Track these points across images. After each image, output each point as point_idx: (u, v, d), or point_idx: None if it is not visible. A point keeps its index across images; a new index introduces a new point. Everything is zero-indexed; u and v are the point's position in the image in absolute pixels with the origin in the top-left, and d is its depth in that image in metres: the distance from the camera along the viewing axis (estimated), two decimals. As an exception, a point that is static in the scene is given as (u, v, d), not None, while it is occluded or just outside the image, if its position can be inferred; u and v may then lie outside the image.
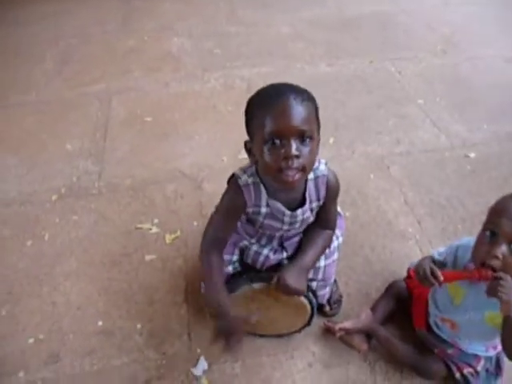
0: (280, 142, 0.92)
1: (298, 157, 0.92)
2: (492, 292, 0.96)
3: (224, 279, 1.17)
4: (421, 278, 1.07)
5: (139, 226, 1.73)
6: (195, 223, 1.74)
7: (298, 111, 0.92)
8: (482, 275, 0.97)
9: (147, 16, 3.18)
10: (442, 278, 1.02)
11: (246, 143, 1.05)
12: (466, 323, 1.13)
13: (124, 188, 1.90)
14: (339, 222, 1.30)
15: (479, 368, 1.16)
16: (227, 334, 1.09)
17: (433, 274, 1.03)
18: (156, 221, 1.75)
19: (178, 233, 1.70)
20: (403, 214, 1.75)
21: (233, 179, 1.12)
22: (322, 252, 1.21)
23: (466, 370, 1.16)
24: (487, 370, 1.17)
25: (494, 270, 0.96)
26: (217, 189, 1.84)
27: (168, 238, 1.68)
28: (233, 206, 1.12)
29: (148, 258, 1.62)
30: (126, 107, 2.34)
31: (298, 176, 0.95)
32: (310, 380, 1.29)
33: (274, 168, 0.94)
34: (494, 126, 2.16)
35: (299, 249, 1.21)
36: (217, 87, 2.48)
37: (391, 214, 1.75)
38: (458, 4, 3.25)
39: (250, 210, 1.12)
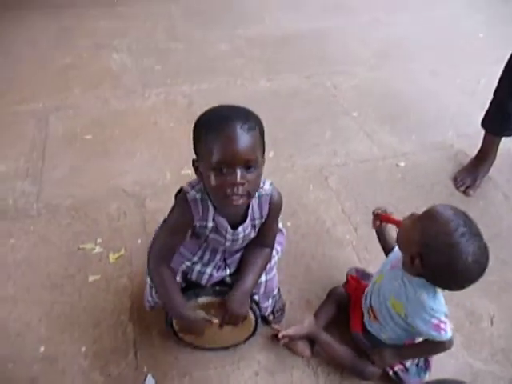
0: (226, 170, 0.97)
1: (242, 184, 0.97)
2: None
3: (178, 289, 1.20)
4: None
5: (82, 246, 1.70)
6: (139, 241, 1.73)
7: (245, 141, 0.96)
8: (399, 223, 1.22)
9: (82, 34, 3.11)
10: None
11: (193, 161, 1.07)
12: (381, 309, 1.26)
13: (64, 208, 1.86)
14: (280, 238, 1.36)
15: (408, 364, 1.27)
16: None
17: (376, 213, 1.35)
18: (99, 240, 1.73)
19: (122, 251, 1.69)
20: (341, 222, 1.85)
21: (181, 194, 1.14)
22: (262, 272, 1.27)
23: (397, 367, 1.26)
24: (417, 365, 1.28)
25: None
26: (160, 206, 1.86)
27: (112, 257, 1.67)
28: (181, 220, 1.14)
29: (92, 278, 1.60)
30: (64, 125, 2.30)
31: (242, 200, 1.00)
32: (256, 388, 1.33)
33: (220, 193, 0.99)
34: (421, 136, 2.32)
35: (240, 271, 1.25)
36: (158, 104, 2.49)
37: (329, 222, 1.84)
38: (387, 21, 3.46)
39: (197, 223, 1.14)
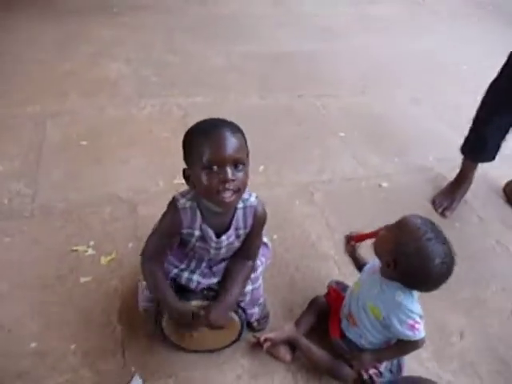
0: (217, 169, 1.06)
1: (233, 180, 1.07)
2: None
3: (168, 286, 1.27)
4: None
5: (74, 248, 1.75)
6: (130, 245, 1.79)
7: (232, 142, 1.07)
8: (375, 234, 1.33)
9: (84, 40, 3.20)
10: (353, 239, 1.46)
11: (184, 170, 1.16)
12: (359, 314, 1.35)
13: (58, 211, 1.91)
14: (265, 251, 1.45)
15: (382, 369, 1.36)
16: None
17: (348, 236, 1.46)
18: (91, 243, 1.78)
19: (114, 255, 1.75)
20: (325, 237, 1.93)
21: (172, 201, 1.22)
22: (245, 284, 1.34)
23: (372, 371, 1.35)
24: (390, 371, 1.37)
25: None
26: (152, 212, 1.89)
27: (103, 259, 1.72)
28: (170, 225, 1.23)
29: (83, 279, 1.65)
30: (61, 130, 2.36)
31: (234, 197, 1.10)
32: (238, 390, 1.40)
33: (213, 191, 1.08)
34: (403, 158, 2.44)
35: (224, 283, 1.32)
36: (153, 114, 2.57)
37: (314, 236, 1.93)
38: (377, 47, 3.62)
39: (185, 231, 1.23)
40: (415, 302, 1.26)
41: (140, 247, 1.73)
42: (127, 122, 2.49)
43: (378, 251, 1.29)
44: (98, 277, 1.66)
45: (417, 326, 1.24)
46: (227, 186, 1.06)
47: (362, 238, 1.43)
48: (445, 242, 1.19)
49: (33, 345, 1.44)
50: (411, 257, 1.17)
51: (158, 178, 2.12)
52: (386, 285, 1.28)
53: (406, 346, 1.30)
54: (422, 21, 4.27)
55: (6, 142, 2.23)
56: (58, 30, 3.31)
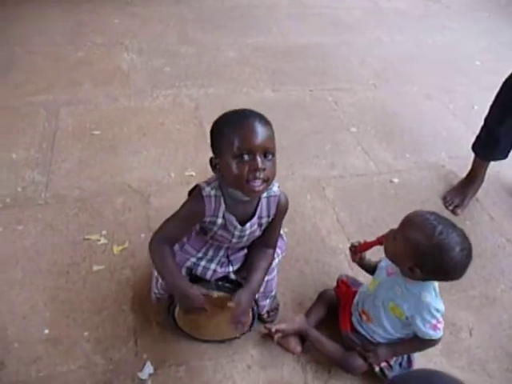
0: (248, 157, 1.07)
1: (264, 169, 1.07)
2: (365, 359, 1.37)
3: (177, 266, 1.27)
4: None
5: (87, 236, 1.77)
6: (142, 235, 1.81)
7: (263, 131, 1.08)
8: (379, 240, 1.31)
9: (96, 30, 3.20)
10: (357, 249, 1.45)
11: (211, 159, 1.17)
12: (377, 312, 1.35)
13: (72, 199, 1.93)
14: (281, 243, 1.45)
15: (392, 362, 1.37)
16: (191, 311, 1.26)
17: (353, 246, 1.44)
18: (104, 232, 1.80)
19: (126, 244, 1.76)
20: (335, 231, 1.94)
21: (197, 189, 1.22)
22: (267, 272, 1.35)
23: (383, 364, 1.36)
24: (400, 365, 1.38)
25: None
26: (164, 203, 1.94)
27: (116, 249, 1.74)
28: (193, 212, 1.22)
29: (96, 268, 1.67)
30: (74, 119, 2.37)
31: (262, 186, 1.10)
32: (248, 381, 1.41)
33: (242, 179, 1.08)
34: (415, 155, 2.44)
35: (247, 271, 1.33)
36: (165, 105, 2.57)
37: (324, 231, 1.93)
38: (389, 42, 3.60)
39: (207, 219, 1.23)
40: (439, 300, 1.26)
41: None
42: (140, 112, 2.49)
43: (393, 259, 1.27)
44: (110, 265, 1.68)
45: (439, 325, 1.25)
46: (257, 174, 1.07)
47: (366, 246, 1.41)
48: (454, 227, 1.18)
49: (46, 331, 1.46)
50: (432, 256, 1.15)
51: (170, 170, 2.13)
52: (410, 285, 1.26)
53: (424, 343, 1.31)
54: (435, 16, 4.23)
55: (20, 131, 2.25)
56: (70, 19, 3.31)
